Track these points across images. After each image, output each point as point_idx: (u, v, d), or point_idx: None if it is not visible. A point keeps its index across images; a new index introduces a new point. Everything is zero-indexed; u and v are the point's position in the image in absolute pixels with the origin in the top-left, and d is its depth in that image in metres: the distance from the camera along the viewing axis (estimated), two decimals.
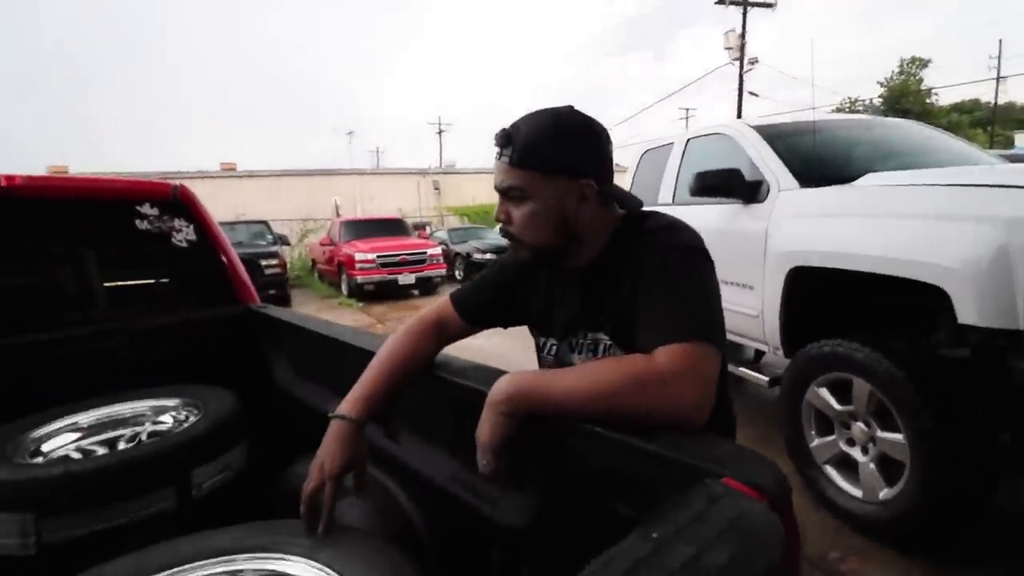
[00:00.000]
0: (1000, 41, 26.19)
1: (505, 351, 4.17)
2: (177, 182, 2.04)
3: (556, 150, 0.88)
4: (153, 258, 2.02)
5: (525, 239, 0.93)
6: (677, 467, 0.59)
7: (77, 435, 1.61)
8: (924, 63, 33.63)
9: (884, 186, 2.20)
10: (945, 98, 32.92)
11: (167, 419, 1.68)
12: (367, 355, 1.28)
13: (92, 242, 1.93)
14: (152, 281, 2.10)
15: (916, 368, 1.89)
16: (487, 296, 1.11)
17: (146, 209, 1.92)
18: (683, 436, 0.66)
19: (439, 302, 1.15)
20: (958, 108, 33.06)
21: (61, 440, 1.58)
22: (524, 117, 0.92)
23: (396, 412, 1.18)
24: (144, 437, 1.61)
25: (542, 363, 1.09)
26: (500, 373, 0.96)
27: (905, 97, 29.89)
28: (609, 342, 0.95)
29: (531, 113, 0.93)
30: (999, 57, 26.02)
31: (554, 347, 1.05)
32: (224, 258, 2.12)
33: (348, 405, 0.97)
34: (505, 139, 0.90)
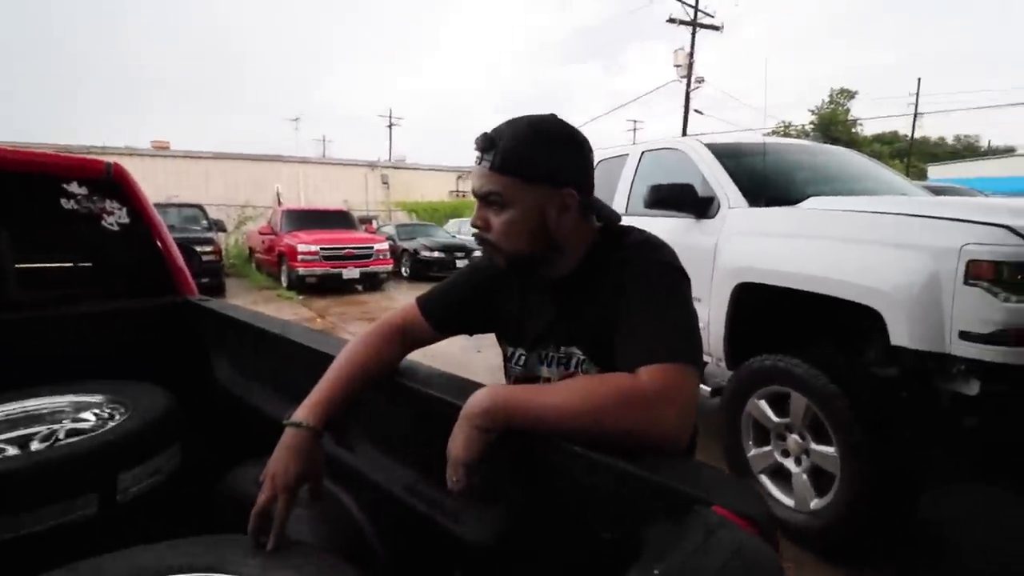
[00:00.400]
0: (919, 79, 28.39)
1: (453, 351, 4.12)
2: (111, 159, 1.88)
3: (539, 157, 0.87)
4: (80, 241, 1.85)
5: (503, 246, 0.90)
6: (663, 492, 0.58)
7: None
8: (851, 94, 36.17)
9: (826, 210, 2.33)
10: (868, 129, 35.51)
11: (89, 417, 1.54)
12: (316, 355, 1.21)
13: (5, 220, 1.75)
14: (76, 266, 1.92)
15: (850, 385, 2.00)
16: (455, 301, 1.07)
17: (73, 188, 1.75)
18: (665, 459, 0.65)
19: (404, 306, 1.10)
20: (880, 139, 35.67)
21: None
22: (507, 122, 0.90)
23: (354, 420, 1.12)
24: (61, 436, 1.46)
25: (509, 372, 1.07)
26: (470, 384, 0.93)
27: (834, 125, 31.97)
28: (583, 357, 0.94)
29: (514, 119, 0.90)
30: (917, 94, 28.19)
31: (523, 357, 1.02)
32: (160, 244, 1.98)
33: (305, 411, 0.91)
34: (487, 143, 0.87)
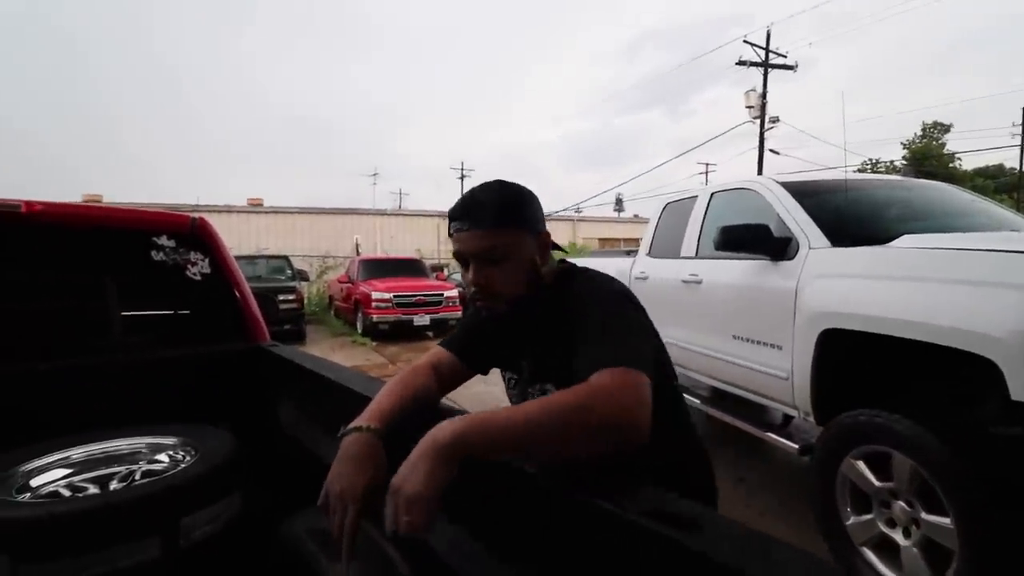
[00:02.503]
0: (1023, 109, 26.17)
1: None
2: (197, 215, 2.02)
3: (518, 209, 0.97)
4: (165, 290, 1.99)
5: (506, 293, 0.97)
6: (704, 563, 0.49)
7: (69, 470, 1.53)
8: (946, 128, 33.83)
9: (925, 248, 2.11)
10: (968, 163, 32.89)
11: (163, 458, 1.60)
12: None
13: (107, 271, 1.91)
14: (163, 313, 2.06)
15: (965, 445, 1.74)
16: (480, 338, 1.13)
17: (163, 240, 1.90)
18: (727, 533, 0.55)
19: (430, 353, 1.15)
20: (982, 173, 32.89)
21: (52, 475, 1.50)
22: (473, 189, 0.99)
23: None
24: (138, 477, 1.52)
25: (510, 398, 1.15)
26: None
27: (928, 160, 29.92)
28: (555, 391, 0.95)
29: (475, 186, 1.00)
30: (1023, 124, 25.95)
31: (513, 382, 1.12)
32: (237, 293, 2.08)
33: (362, 419, 0.91)
34: (465, 209, 0.95)
